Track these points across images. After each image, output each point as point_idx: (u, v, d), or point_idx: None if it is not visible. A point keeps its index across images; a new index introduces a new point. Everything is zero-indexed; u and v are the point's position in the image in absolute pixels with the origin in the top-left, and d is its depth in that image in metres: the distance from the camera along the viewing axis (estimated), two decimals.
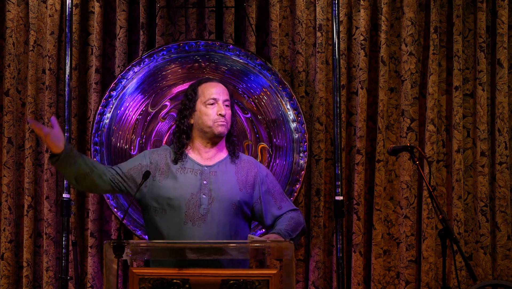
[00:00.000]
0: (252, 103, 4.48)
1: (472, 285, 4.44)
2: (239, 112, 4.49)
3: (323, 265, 4.61)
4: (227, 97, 3.75)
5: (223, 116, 3.69)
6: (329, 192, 4.64)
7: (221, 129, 3.70)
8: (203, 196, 3.63)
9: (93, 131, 4.38)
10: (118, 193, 3.84)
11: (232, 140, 3.79)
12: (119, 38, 4.62)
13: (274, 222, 3.74)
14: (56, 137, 3.48)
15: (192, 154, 3.73)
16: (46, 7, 4.68)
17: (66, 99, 4.37)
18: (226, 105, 3.73)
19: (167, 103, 4.47)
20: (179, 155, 3.71)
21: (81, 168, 3.57)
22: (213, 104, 3.71)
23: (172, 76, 4.45)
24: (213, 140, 3.73)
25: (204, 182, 3.65)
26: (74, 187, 3.71)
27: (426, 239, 4.58)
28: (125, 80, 4.42)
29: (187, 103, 3.76)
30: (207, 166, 3.70)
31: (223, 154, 3.76)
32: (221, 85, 3.79)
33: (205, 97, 3.73)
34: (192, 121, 3.74)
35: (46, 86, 4.63)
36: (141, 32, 4.61)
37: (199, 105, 3.73)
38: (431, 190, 3.56)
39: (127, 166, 3.72)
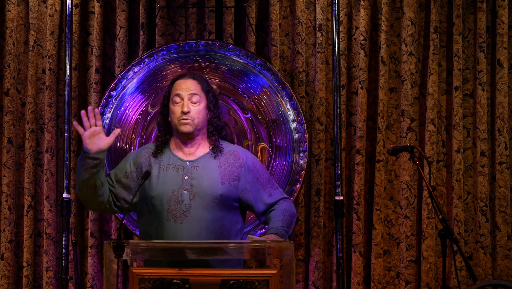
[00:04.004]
0: (252, 103, 4.48)
1: (472, 285, 4.44)
2: (239, 112, 4.49)
3: (323, 265, 4.61)
4: (194, 92, 3.66)
5: (186, 113, 3.62)
6: (329, 192, 4.64)
7: (184, 128, 3.63)
8: (184, 192, 3.60)
9: None
10: (112, 211, 3.76)
11: (213, 133, 3.71)
12: (119, 38, 4.63)
13: (266, 210, 3.69)
14: (98, 140, 3.54)
15: (175, 150, 3.69)
16: (46, 7, 4.68)
17: (66, 99, 4.36)
18: (193, 102, 3.65)
19: None
20: (160, 150, 3.69)
21: (91, 185, 3.58)
22: (178, 103, 3.65)
23: (172, 76, 4.44)
24: (184, 137, 3.68)
25: (185, 178, 3.62)
26: (78, 190, 3.69)
27: (426, 239, 4.58)
28: (125, 80, 4.42)
29: (164, 102, 3.74)
30: (189, 161, 3.66)
31: (206, 148, 3.71)
32: (190, 80, 3.70)
33: (172, 95, 3.69)
34: (169, 118, 3.70)
35: (46, 86, 4.63)
36: (141, 32, 4.61)
37: (170, 103, 3.69)
38: (431, 190, 3.56)
39: (117, 177, 3.70)
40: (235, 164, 3.69)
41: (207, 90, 3.71)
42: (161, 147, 3.71)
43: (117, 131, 3.61)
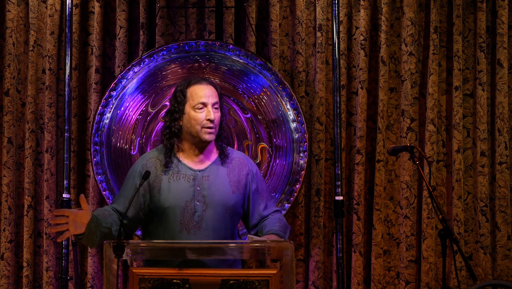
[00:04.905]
0: (252, 103, 4.48)
1: (472, 285, 4.44)
2: (239, 112, 4.49)
3: (323, 265, 4.61)
4: (216, 99, 3.65)
5: (212, 121, 3.60)
6: (329, 192, 4.64)
7: (208, 137, 3.61)
8: (197, 202, 3.58)
9: (93, 131, 4.39)
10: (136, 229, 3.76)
11: (221, 138, 3.71)
12: (119, 38, 4.63)
13: (259, 221, 3.69)
14: (80, 221, 3.39)
15: (183, 157, 3.66)
16: (46, 7, 4.68)
17: (66, 99, 4.37)
18: (215, 108, 3.64)
19: (167, 103, 4.46)
20: (169, 158, 3.64)
21: (104, 235, 3.49)
22: (202, 109, 3.61)
23: (172, 76, 4.45)
24: (201, 145, 3.65)
25: (198, 188, 3.60)
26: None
27: (426, 239, 4.58)
28: (125, 80, 4.42)
29: (176, 106, 3.66)
30: (199, 170, 3.63)
31: (214, 154, 3.70)
32: (210, 87, 3.67)
33: (194, 101, 3.62)
34: (181, 123, 3.65)
35: (46, 86, 4.63)
36: (141, 32, 4.61)
37: (187, 108, 3.63)
38: (431, 190, 3.56)
39: (125, 203, 3.58)
40: (242, 172, 3.69)
41: (221, 95, 3.73)
42: (168, 154, 3.65)
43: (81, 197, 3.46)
